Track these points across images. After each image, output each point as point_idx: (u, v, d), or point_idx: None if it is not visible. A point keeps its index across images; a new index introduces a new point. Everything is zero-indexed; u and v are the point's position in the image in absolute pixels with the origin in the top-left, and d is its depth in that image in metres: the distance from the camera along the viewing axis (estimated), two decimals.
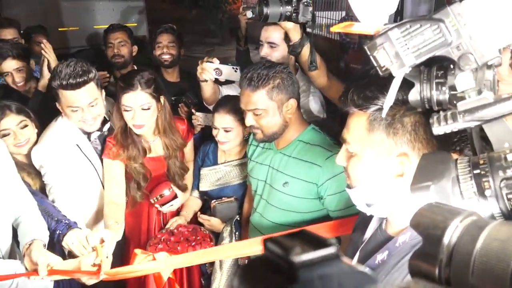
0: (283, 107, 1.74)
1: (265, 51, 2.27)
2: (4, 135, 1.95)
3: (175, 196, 2.28)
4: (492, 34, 0.66)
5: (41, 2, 9.35)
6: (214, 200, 2.26)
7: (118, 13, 10.26)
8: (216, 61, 2.22)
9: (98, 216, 2.26)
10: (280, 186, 1.80)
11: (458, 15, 0.68)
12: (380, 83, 0.93)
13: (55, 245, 1.84)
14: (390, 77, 0.95)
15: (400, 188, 0.96)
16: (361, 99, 0.95)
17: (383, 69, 0.75)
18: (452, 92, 0.73)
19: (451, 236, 0.49)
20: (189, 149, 2.47)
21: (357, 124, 0.98)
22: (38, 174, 2.09)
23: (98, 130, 2.19)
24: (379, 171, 0.97)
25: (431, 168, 0.67)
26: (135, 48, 3.29)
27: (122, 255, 2.35)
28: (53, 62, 2.45)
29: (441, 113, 0.72)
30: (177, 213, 2.43)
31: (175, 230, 2.25)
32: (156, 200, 2.27)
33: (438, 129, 0.72)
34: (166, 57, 3.04)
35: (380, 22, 0.84)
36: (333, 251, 0.36)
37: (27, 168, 2.09)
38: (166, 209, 2.29)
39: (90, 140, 2.19)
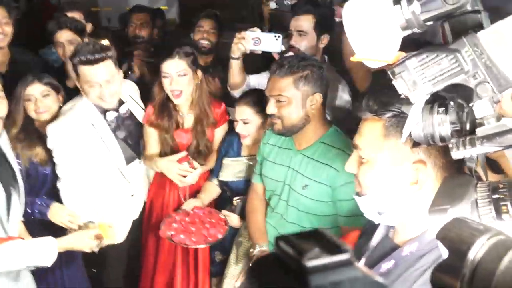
0: (307, 99, 1.71)
1: (294, 39, 2.27)
2: (28, 100, 2.11)
3: (195, 167, 2.31)
4: (508, 64, 0.67)
5: None
6: (237, 198, 2.23)
7: None
8: (257, 29, 2.24)
9: (112, 195, 2.31)
10: (299, 189, 1.78)
11: (474, 45, 0.69)
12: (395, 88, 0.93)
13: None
14: None
15: (413, 196, 0.94)
16: (377, 105, 0.94)
17: (402, 95, 0.77)
18: (453, 127, 0.75)
19: (476, 252, 0.48)
20: (219, 135, 2.46)
21: (371, 130, 0.96)
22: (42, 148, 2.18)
23: (115, 111, 2.22)
24: (393, 178, 0.95)
25: (451, 191, 0.68)
26: (156, 31, 3.34)
27: (142, 224, 2.51)
28: None
29: (460, 139, 0.74)
30: (195, 196, 2.49)
31: (191, 212, 2.26)
32: None
33: (457, 154, 0.74)
34: (204, 42, 2.89)
35: (381, 64, 0.83)
36: (347, 257, 0.35)
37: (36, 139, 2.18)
38: (184, 182, 2.32)
39: (106, 120, 2.22)
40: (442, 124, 0.75)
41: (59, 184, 2.20)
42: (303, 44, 2.26)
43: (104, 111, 2.19)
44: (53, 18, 2.62)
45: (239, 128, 2.17)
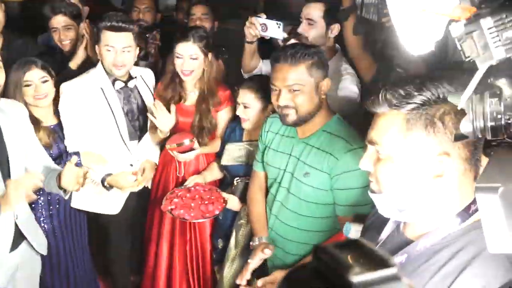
0: (319, 85, 1.68)
1: (302, 27, 2.23)
2: (27, 85, 2.11)
3: (193, 148, 2.35)
4: None
5: None
6: (237, 178, 2.23)
7: None
8: (263, 15, 2.25)
9: (112, 161, 2.37)
10: (301, 176, 1.75)
11: None
12: (415, 80, 0.89)
13: None
14: (426, 75, 0.91)
15: (436, 190, 0.90)
16: (396, 98, 0.88)
17: (467, 59, 0.69)
18: (507, 119, 0.67)
19: None
20: (222, 118, 2.47)
21: (390, 125, 0.91)
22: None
23: (124, 82, 2.33)
24: (416, 172, 0.90)
25: (503, 169, 0.61)
26: (159, 16, 3.28)
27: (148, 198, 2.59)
28: (90, 45, 2.55)
29: None
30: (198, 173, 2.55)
31: (192, 188, 2.30)
32: (173, 147, 2.34)
33: None
34: None
35: (426, 49, 0.76)
36: (394, 271, 0.33)
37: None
38: (181, 158, 2.36)
39: (114, 87, 2.32)
40: (495, 115, 0.68)
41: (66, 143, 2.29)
42: (311, 32, 2.20)
43: (114, 80, 2.31)
44: (48, 3, 2.55)
45: (239, 111, 2.18)
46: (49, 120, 2.22)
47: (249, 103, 2.14)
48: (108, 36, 2.19)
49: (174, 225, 2.49)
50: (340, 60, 2.25)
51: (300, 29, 2.23)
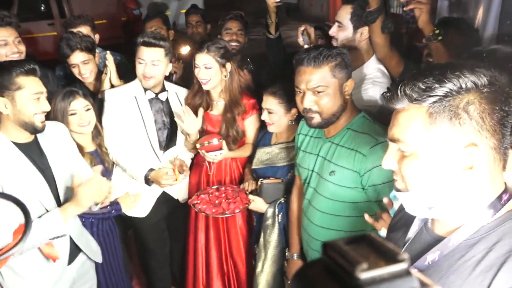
0: (343, 86, 1.70)
1: (332, 29, 2.26)
2: (72, 114, 2.24)
3: (221, 148, 2.44)
4: None
5: None
6: (262, 179, 2.28)
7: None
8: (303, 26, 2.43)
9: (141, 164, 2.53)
10: (327, 175, 1.77)
11: None
12: (434, 71, 0.86)
13: None
14: (444, 65, 0.87)
15: (467, 183, 0.87)
16: (416, 92, 0.85)
17: None
18: None
19: None
20: (249, 126, 2.56)
21: (412, 120, 0.88)
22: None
23: (154, 93, 2.50)
24: (444, 167, 0.87)
25: None
26: (172, 33, 3.48)
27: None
28: (114, 76, 2.65)
29: None
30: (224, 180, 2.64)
31: (223, 188, 2.43)
32: (202, 146, 2.44)
33: None
34: (234, 44, 2.96)
35: None
36: (404, 267, 0.32)
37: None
38: (209, 157, 2.44)
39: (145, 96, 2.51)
40: None
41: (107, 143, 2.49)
42: (340, 34, 2.22)
43: (145, 90, 2.50)
44: (63, 40, 2.66)
45: (264, 116, 2.27)
46: (89, 146, 2.36)
47: (272, 109, 2.22)
48: (141, 50, 2.41)
49: (208, 223, 2.60)
50: (376, 64, 2.22)
51: (330, 32, 2.27)
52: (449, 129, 0.85)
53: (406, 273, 0.32)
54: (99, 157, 2.38)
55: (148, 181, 2.47)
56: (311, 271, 0.37)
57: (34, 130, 1.83)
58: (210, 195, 2.39)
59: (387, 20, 2.02)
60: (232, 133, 2.50)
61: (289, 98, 2.12)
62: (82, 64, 2.62)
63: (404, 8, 1.89)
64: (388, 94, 0.91)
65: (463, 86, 0.83)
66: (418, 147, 0.88)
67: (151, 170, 2.47)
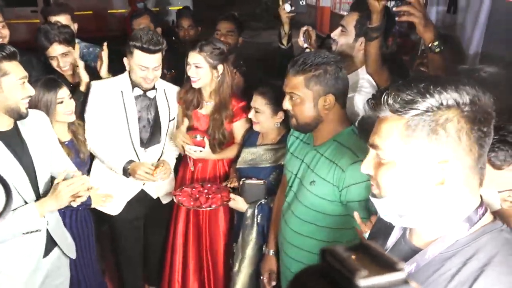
0: (319, 99, 1.64)
1: (335, 32, 2.23)
2: (60, 103, 2.22)
3: (203, 146, 2.46)
4: None
5: None
6: (244, 179, 2.27)
7: None
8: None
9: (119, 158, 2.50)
10: (308, 184, 1.74)
11: None
12: (421, 84, 0.85)
13: None
14: (429, 79, 0.88)
15: (438, 197, 0.88)
16: (398, 103, 0.86)
17: None
18: None
19: None
20: (238, 128, 2.55)
21: (392, 130, 0.89)
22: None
23: (143, 90, 2.46)
24: (417, 179, 0.88)
25: None
26: (159, 29, 3.39)
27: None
28: (105, 69, 2.62)
29: None
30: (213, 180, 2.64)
31: (209, 184, 2.45)
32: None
33: None
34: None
35: None
36: (403, 276, 0.33)
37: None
38: (189, 150, 2.46)
39: (132, 93, 2.47)
40: None
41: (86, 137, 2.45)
42: (340, 39, 2.20)
43: (133, 86, 2.45)
44: (41, 31, 2.58)
45: (251, 114, 2.28)
46: (64, 137, 2.31)
47: (260, 108, 2.24)
48: (141, 57, 2.33)
49: (188, 220, 2.61)
50: (365, 74, 2.21)
51: (332, 33, 2.24)
52: (426, 143, 0.86)
53: (404, 282, 0.32)
54: (74, 148, 2.33)
55: (126, 173, 2.43)
56: (308, 277, 0.37)
57: (19, 116, 1.78)
58: (193, 189, 2.40)
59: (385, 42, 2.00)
60: (218, 136, 2.49)
61: (277, 101, 2.10)
62: (61, 57, 2.55)
63: (398, 19, 1.83)
64: (372, 102, 0.92)
65: (444, 102, 0.83)
66: (395, 156, 0.90)
67: (131, 162, 2.43)
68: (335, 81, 1.64)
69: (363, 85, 2.21)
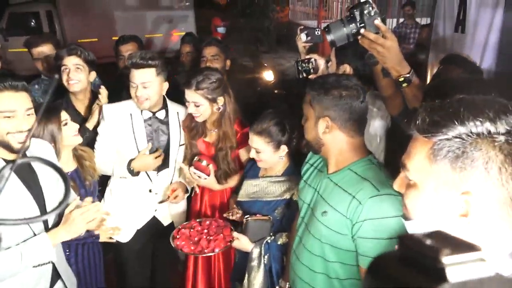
0: (319, 121, 1.61)
1: (321, 65, 2.21)
2: (64, 125, 2.19)
3: (207, 173, 2.43)
4: None
5: (97, 13, 9.87)
6: (248, 216, 2.13)
7: (168, 21, 10.62)
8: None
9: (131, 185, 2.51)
10: (319, 215, 1.65)
11: None
12: (453, 108, 0.81)
13: None
14: (465, 101, 0.83)
15: (464, 229, 0.81)
16: (427, 125, 0.82)
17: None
18: None
19: None
20: (244, 156, 2.52)
21: (419, 151, 0.86)
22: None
23: (152, 112, 2.46)
24: (440, 207, 0.84)
25: None
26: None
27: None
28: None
29: None
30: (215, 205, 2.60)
31: (207, 222, 2.32)
32: (194, 160, 2.45)
33: None
34: None
35: None
36: (480, 255, 0.36)
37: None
38: (192, 174, 2.43)
39: (142, 116, 2.47)
40: None
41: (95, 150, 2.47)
42: (330, 70, 2.20)
43: (142, 110, 2.45)
44: (64, 48, 2.68)
45: (252, 153, 2.20)
46: (68, 166, 2.25)
47: (260, 148, 2.15)
48: (131, 73, 2.34)
49: (197, 261, 2.55)
50: (373, 97, 2.22)
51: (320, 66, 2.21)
52: (449, 170, 0.82)
53: (481, 260, 0.35)
54: (79, 178, 2.29)
55: (132, 172, 2.42)
56: (386, 263, 0.40)
57: (12, 150, 1.67)
58: (191, 230, 2.27)
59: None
60: (223, 167, 2.46)
61: (277, 135, 2.10)
62: (73, 68, 2.58)
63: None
64: (405, 120, 0.92)
65: (474, 130, 0.78)
66: (419, 179, 0.87)
67: (132, 160, 2.41)
68: (338, 108, 1.59)
69: (373, 108, 2.21)
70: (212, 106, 2.35)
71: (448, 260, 0.35)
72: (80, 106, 2.71)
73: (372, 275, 0.40)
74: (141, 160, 2.40)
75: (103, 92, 2.64)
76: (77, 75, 2.60)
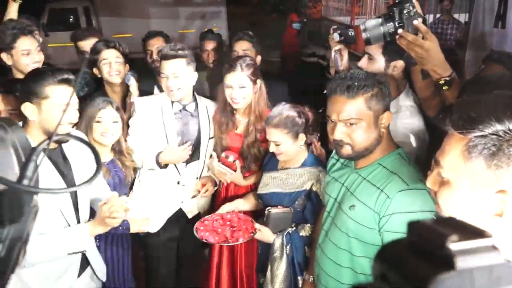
0: (378, 119, 1.56)
1: (362, 61, 2.18)
2: (98, 122, 2.28)
3: (233, 169, 2.46)
4: None
5: (133, 9, 10.11)
6: (269, 208, 2.17)
7: (201, 17, 10.75)
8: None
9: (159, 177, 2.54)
10: (346, 208, 1.64)
11: None
12: (490, 104, 0.80)
13: None
14: (502, 100, 0.81)
15: (499, 229, 0.79)
16: (462, 120, 0.81)
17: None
18: None
19: None
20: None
21: (454, 148, 0.84)
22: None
23: (182, 105, 2.50)
24: (474, 205, 0.82)
25: None
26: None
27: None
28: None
29: None
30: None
31: (229, 215, 2.35)
32: (221, 156, 2.50)
33: None
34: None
35: None
36: (491, 242, 0.35)
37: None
38: (218, 168, 2.47)
39: (172, 109, 2.52)
40: None
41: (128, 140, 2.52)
42: (369, 67, 2.12)
43: (173, 102, 2.49)
44: (101, 40, 2.79)
45: (271, 148, 2.19)
46: (104, 157, 2.35)
47: (279, 140, 2.15)
48: (162, 65, 2.40)
49: (221, 253, 2.59)
50: (408, 96, 2.17)
51: (360, 63, 2.18)
52: (484, 168, 0.80)
53: (493, 248, 0.35)
54: (114, 169, 2.38)
55: (160, 165, 2.46)
56: (394, 250, 0.39)
57: (56, 140, 1.78)
58: (215, 222, 2.31)
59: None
60: (253, 151, 2.49)
61: (294, 124, 2.11)
62: (114, 62, 2.69)
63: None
64: (439, 116, 0.92)
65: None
66: (452, 176, 0.85)
67: (159, 153, 2.45)
68: (389, 98, 1.59)
69: (413, 105, 2.13)
70: (254, 88, 2.40)
71: (457, 246, 0.35)
72: (116, 98, 2.80)
73: (380, 262, 0.39)
74: (169, 153, 2.44)
75: (133, 83, 2.72)
76: (118, 67, 2.72)
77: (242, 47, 3.15)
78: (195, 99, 2.56)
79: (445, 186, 0.87)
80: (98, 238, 2.29)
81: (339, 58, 2.33)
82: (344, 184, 1.72)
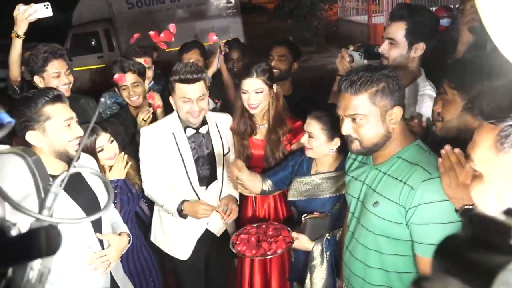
0: (386, 115, 1.52)
1: (383, 47, 2.13)
2: (100, 151, 2.24)
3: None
4: None
5: (151, 28, 10.30)
6: (306, 215, 2.10)
7: (217, 29, 10.90)
8: (350, 47, 2.32)
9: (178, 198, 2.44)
10: (370, 206, 1.60)
11: None
12: None
13: None
14: None
15: None
16: (492, 109, 0.78)
17: None
18: None
19: None
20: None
21: (484, 139, 0.80)
22: None
23: (195, 129, 2.40)
24: (507, 198, 0.78)
25: None
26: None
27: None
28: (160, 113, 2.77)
29: None
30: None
31: (264, 225, 2.31)
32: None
33: None
34: (274, 71, 2.96)
35: None
36: None
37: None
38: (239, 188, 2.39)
39: (185, 135, 2.40)
40: None
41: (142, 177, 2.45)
42: (391, 53, 2.10)
43: (185, 127, 2.40)
44: (117, 62, 2.79)
45: (303, 139, 2.15)
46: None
47: (314, 133, 2.11)
48: (183, 89, 2.26)
49: (253, 264, 2.55)
50: (424, 82, 2.13)
51: (380, 49, 2.14)
52: None
53: None
54: (126, 186, 2.37)
55: (182, 214, 2.37)
56: (455, 244, 0.38)
57: (69, 159, 1.76)
58: (250, 234, 2.25)
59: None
60: (278, 155, 2.45)
61: (334, 125, 2.03)
62: (131, 86, 2.72)
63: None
64: (468, 106, 0.89)
65: None
66: (485, 169, 0.81)
67: (184, 202, 2.37)
68: (398, 93, 1.54)
69: (431, 89, 2.11)
70: (270, 93, 2.38)
71: None
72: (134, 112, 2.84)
73: (440, 258, 0.38)
74: (193, 206, 2.36)
75: (156, 96, 2.75)
76: (136, 90, 2.74)
77: (279, 52, 3.09)
78: (205, 121, 2.46)
79: (478, 180, 0.83)
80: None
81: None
82: (365, 182, 1.69)
